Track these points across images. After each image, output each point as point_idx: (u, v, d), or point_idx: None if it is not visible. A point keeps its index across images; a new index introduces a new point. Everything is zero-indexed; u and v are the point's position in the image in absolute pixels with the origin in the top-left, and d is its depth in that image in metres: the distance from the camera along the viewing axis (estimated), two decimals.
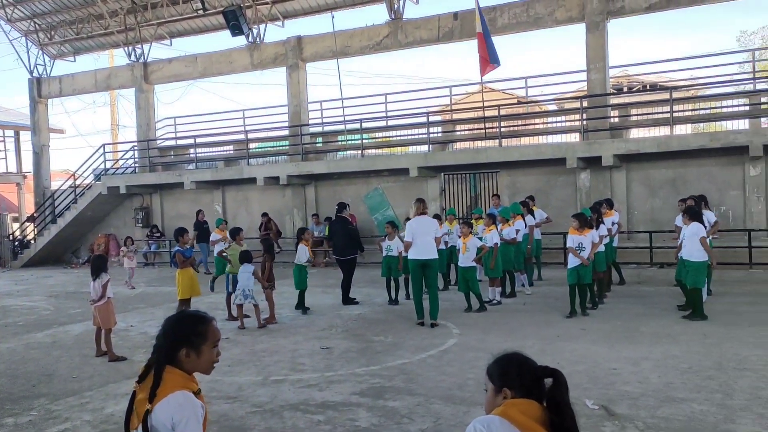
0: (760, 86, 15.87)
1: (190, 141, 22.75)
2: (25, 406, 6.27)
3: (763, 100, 15.14)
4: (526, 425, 2.16)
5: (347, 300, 11.75)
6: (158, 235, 22.24)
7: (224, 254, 11.15)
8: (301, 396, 6.23)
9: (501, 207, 13.37)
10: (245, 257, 10.10)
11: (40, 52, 25.85)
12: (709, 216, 11.12)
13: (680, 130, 16.17)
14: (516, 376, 2.29)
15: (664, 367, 6.67)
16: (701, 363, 6.78)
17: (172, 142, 24.27)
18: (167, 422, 2.40)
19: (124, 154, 24.73)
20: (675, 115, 15.46)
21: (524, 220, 12.14)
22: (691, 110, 16.52)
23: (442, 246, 11.82)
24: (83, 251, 24.07)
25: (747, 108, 15.80)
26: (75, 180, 23.65)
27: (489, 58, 16.27)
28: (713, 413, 5.29)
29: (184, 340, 2.52)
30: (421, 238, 9.41)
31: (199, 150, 22.42)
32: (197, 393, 2.52)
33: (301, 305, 11.12)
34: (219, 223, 15.20)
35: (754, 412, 5.29)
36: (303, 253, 11.10)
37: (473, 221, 12.35)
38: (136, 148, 23.77)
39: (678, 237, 10.23)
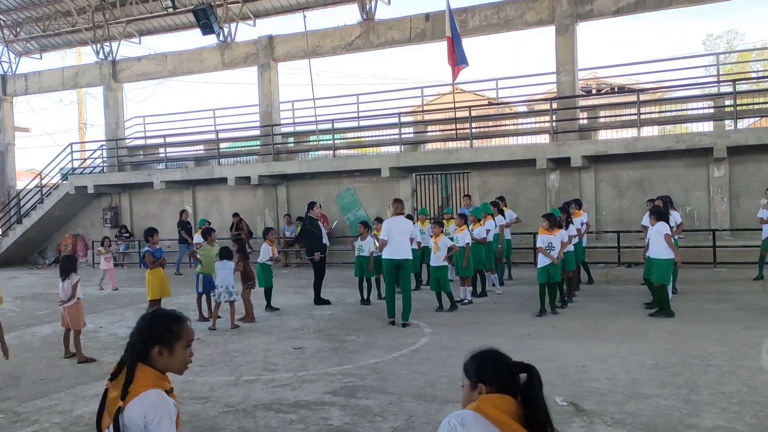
0: (724, 89, 16.21)
1: (160, 140, 22.47)
2: None
3: (727, 102, 15.50)
4: (499, 419, 2.20)
5: (319, 300, 11.74)
6: (127, 235, 21.96)
7: (197, 255, 11.06)
8: (273, 396, 6.23)
9: (472, 207, 13.49)
10: (226, 253, 10.08)
11: (5, 49, 25.31)
12: (675, 216, 11.37)
13: (647, 131, 16.49)
14: (491, 371, 2.33)
15: (631, 364, 6.81)
16: (667, 359, 6.94)
17: (141, 142, 23.96)
18: (139, 420, 2.39)
19: (92, 154, 24.32)
20: (642, 117, 15.75)
21: (494, 220, 12.27)
22: (658, 112, 16.83)
23: (415, 246, 11.88)
24: (50, 252, 23.64)
25: (711, 110, 16.16)
26: (41, 179, 23.22)
27: (456, 60, 16.38)
28: (679, 408, 5.43)
29: (158, 338, 2.52)
30: (397, 238, 9.48)
31: (169, 149, 22.17)
32: (169, 392, 2.52)
33: (269, 305, 11.18)
34: (202, 224, 14.77)
35: (717, 406, 5.43)
36: (266, 252, 11.15)
37: (444, 221, 12.46)
38: (104, 147, 23.41)
39: (645, 237, 10.44)
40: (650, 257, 9.58)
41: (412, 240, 10.19)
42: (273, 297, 11.36)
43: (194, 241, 14.60)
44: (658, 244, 9.33)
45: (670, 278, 9.50)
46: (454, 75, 16.65)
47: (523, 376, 2.32)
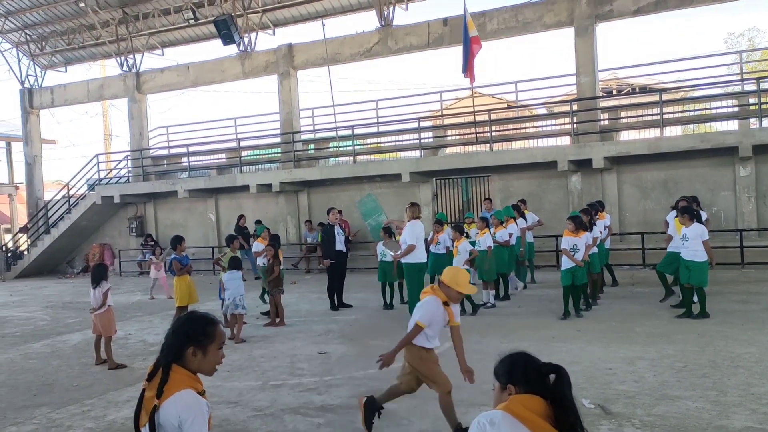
0: (747, 87, 16.04)
1: (183, 150, 22.77)
2: (27, 415, 6.31)
3: (751, 101, 15.31)
4: (528, 418, 2.23)
5: (341, 304, 11.77)
6: (152, 243, 22.21)
7: (220, 263, 11.17)
8: (300, 400, 6.29)
9: (493, 210, 13.47)
10: (234, 264, 10.00)
11: (32, 62, 25.85)
12: (702, 217, 11.25)
13: (670, 131, 16.34)
14: (520, 373, 2.37)
15: (659, 366, 6.77)
16: (695, 361, 6.89)
17: (165, 151, 24.29)
18: (174, 419, 2.47)
19: (118, 164, 24.74)
20: (665, 117, 15.62)
21: (516, 224, 12.25)
22: (681, 112, 16.68)
23: (441, 250, 11.94)
24: (78, 261, 24.04)
25: (736, 109, 15.98)
26: (68, 190, 23.63)
27: (463, 66, 16.41)
28: (708, 410, 5.39)
29: (193, 339, 2.61)
30: (419, 243, 9.59)
31: (191, 158, 22.45)
32: (202, 393, 2.60)
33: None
34: (261, 231, 13.68)
35: (747, 408, 5.38)
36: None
37: (466, 225, 12.47)
38: (129, 157, 23.78)
39: (667, 234, 10.35)
40: (685, 260, 9.39)
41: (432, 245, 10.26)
42: (296, 303, 11.35)
43: (253, 250, 13.80)
44: (695, 247, 9.19)
45: (707, 280, 9.34)
46: (472, 78, 16.61)
47: (552, 377, 2.35)
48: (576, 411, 2.30)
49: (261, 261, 12.42)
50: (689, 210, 9.56)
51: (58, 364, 8.60)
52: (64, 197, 23.71)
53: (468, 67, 16.43)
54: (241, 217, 18.83)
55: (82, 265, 23.39)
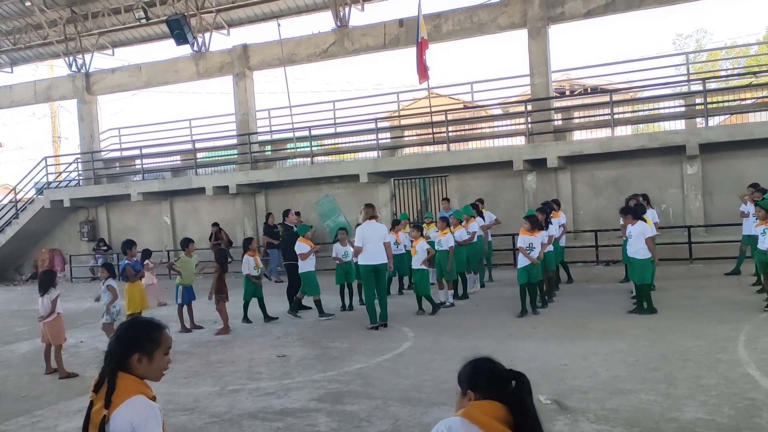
0: (694, 87, 16.51)
1: (136, 152, 22.31)
2: None
3: (698, 101, 15.76)
4: (487, 424, 2.24)
5: (293, 308, 11.65)
6: (105, 248, 21.73)
7: (174, 267, 10.99)
8: (259, 404, 6.23)
9: (451, 210, 13.57)
10: (110, 271, 9.34)
11: None
12: (652, 214, 11.56)
13: (621, 131, 16.72)
14: (481, 379, 2.37)
15: (612, 361, 6.92)
16: (647, 355, 7.06)
17: (117, 154, 23.74)
18: (126, 427, 2.40)
19: (68, 167, 24.08)
20: (615, 116, 15.96)
21: (476, 222, 12.41)
22: (631, 112, 17.08)
23: (402, 250, 11.99)
24: (27, 267, 23.32)
25: (683, 109, 16.44)
26: (15, 194, 22.92)
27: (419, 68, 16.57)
28: (659, 402, 5.53)
29: (137, 345, 2.55)
30: (372, 243, 9.57)
31: (145, 161, 22.01)
32: (153, 399, 2.54)
33: (245, 317, 11.05)
34: (305, 230, 11.51)
35: (696, 399, 5.54)
36: (247, 264, 11.00)
37: (425, 225, 12.54)
38: (79, 160, 23.16)
39: (623, 236, 10.60)
40: (629, 257, 9.73)
41: (388, 245, 10.25)
42: (253, 306, 11.21)
43: (299, 251, 11.70)
44: (638, 244, 9.46)
45: (650, 277, 9.63)
46: (422, 76, 16.75)
47: (513, 383, 2.36)
48: (536, 416, 2.32)
49: (307, 266, 11.12)
50: (631, 210, 9.87)
51: (6, 374, 8.34)
52: (11, 201, 22.99)
53: (419, 68, 16.56)
54: (269, 215, 17.86)
55: (31, 272, 22.68)
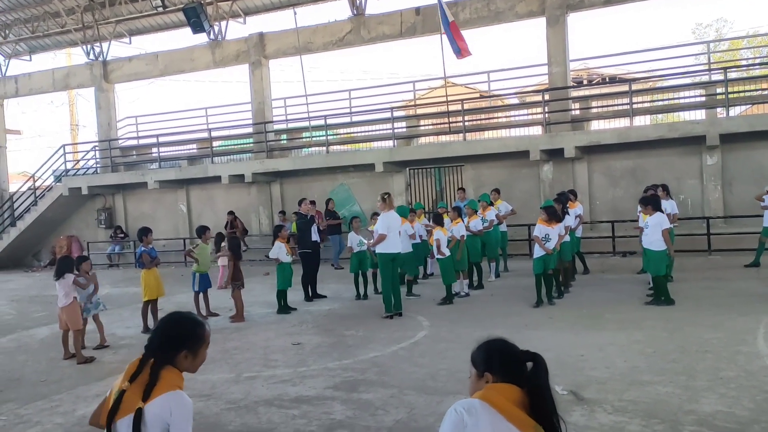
0: (715, 77, 16.28)
1: (153, 140, 22.41)
2: None
3: (719, 90, 15.55)
4: (505, 408, 2.22)
5: (308, 296, 11.70)
6: (122, 236, 21.90)
7: (193, 254, 11.03)
8: (274, 391, 6.25)
9: (466, 200, 13.51)
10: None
11: None
12: (672, 205, 11.44)
13: (639, 121, 16.53)
14: (498, 361, 2.35)
15: (630, 352, 6.86)
16: (665, 347, 6.99)
17: (134, 142, 23.88)
18: (165, 417, 2.44)
19: (85, 155, 24.26)
20: (634, 106, 15.79)
21: (494, 211, 12.41)
22: (650, 102, 16.88)
23: (417, 240, 11.95)
24: (45, 254, 23.57)
25: (703, 99, 16.21)
26: (34, 182, 23.14)
27: (454, 49, 16.38)
28: (678, 395, 5.47)
29: (186, 343, 2.62)
30: (392, 233, 9.59)
31: (162, 149, 22.11)
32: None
33: (283, 307, 10.71)
34: (405, 212, 11.28)
35: (716, 392, 5.48)
36: (280, 250, 10.77)
37: (445, 215, 12.50)
38: (97, 148, 23.34)
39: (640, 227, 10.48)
40: (644, 248, 9.62)
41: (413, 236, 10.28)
42: (269, 294, 11.27)
43: (408, 233, 11.47)
44: (654, 235, 9.35)
45: (665, 268, 9.53)
46: (466, 52, 16.54)
47: (529, 365, 2.34)
48: (553, 400, 2.30)
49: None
50: (652, 200, 9.71)
51: (25, 359, 8.43)
52: (30, 189, 23.21)
53: (459, 46, 16.35)
54: (329, 200, 17.64)
55: (49, 258, 22.93)
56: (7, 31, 24.43)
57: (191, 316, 2.76)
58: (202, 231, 11.24)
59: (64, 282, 8.16)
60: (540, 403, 2.25)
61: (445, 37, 16.65)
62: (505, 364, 2.34)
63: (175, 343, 2.60)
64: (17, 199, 23.52)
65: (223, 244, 12.92)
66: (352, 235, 11.79)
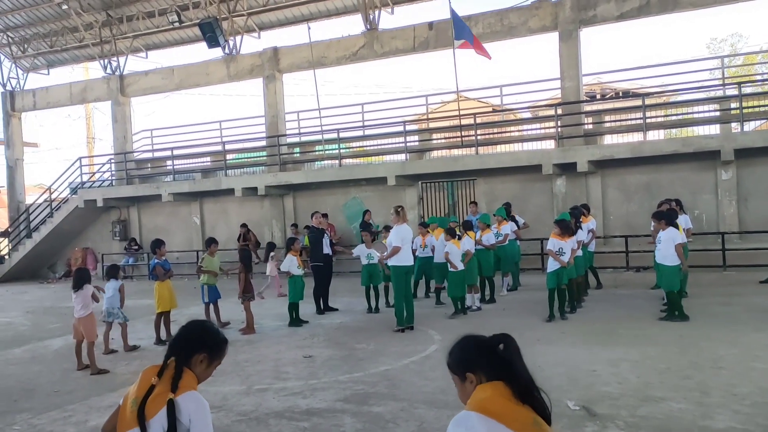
0: (729, 92, 16.22)
1: (168, 153, 22.61)
2: (8, 421, 6.22)
3: (733, 105, 15.48)
4: (502, 413, 2.13)
5: (326, 308, 11.75)
6: (136, 248, 22.05)
7: (203, 269, 11.05)
8: (285, 404, 6.26)
9: (479, 214, 13.51)
10: (110, 272, 9.46)
11: (13, 65, 25.58)
12: (686, 220, 11.38)
13: (653, 135, 16.47)
14: (474, 356, 2.30)
15: (643, 368, 6.80)
16: (678, 363, 6.93)
17: (149, 155, 24.10)
18: (189, 414, 2.54)
19: (101, 167, 24.53)
20: (648, 121, 15.75)
21: (509, 225, 12.38)
22: (664, 116, 16.83)
23: (429, 253, 11.95)
24: (60, 266, 23.77)
25: (717, 113, 16.14)
26: (50, 194, 23.39)
27: (469, 40, 16.39)
28: (691, 411, 5.42)
29: (205, 348, 2.73)
30: (405, 245, 9.62)
31: (176, 162, 22.30)
32: None
33: (294, 320, 10.67)
34: (438, 222, 12.56)
35: (730, 408, 5.42)
36: (291, 263, 10.83)
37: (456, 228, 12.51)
38: (112, 161, 23.58)
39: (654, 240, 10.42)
40: (657, 263, 9.56)
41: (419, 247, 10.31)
42: (281, 306, 11.29)
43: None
44: (667, 250, 9.30)
45: (678, 283, 9.46)
46: (483, 52, 16.59)
47: (501, 347, 2.29)
48: (528, 374, 2.23)
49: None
50: (666, 215, 9.66)
51: (39, 370, 8.49)
52: (46, 201, 23.46)
53: (479, 50, 16.39)
54: (366, 212, 17.43)
55: (64, 270, 23.14)
56: (25, 45, 24.82)
57: (219, 330, 2.90)
58: (208, 244, 11.29)
59: (83, 293, 8.24)
60: (517, 381, 2.20)
61: (458, 51, 16.70)
62: (480, 357, 2.28)
63: (197, 344, 2.71)
64: (33, 210, 23.76)
65: (272, 253, 13.23)
66: (362, 248, 11.79)
